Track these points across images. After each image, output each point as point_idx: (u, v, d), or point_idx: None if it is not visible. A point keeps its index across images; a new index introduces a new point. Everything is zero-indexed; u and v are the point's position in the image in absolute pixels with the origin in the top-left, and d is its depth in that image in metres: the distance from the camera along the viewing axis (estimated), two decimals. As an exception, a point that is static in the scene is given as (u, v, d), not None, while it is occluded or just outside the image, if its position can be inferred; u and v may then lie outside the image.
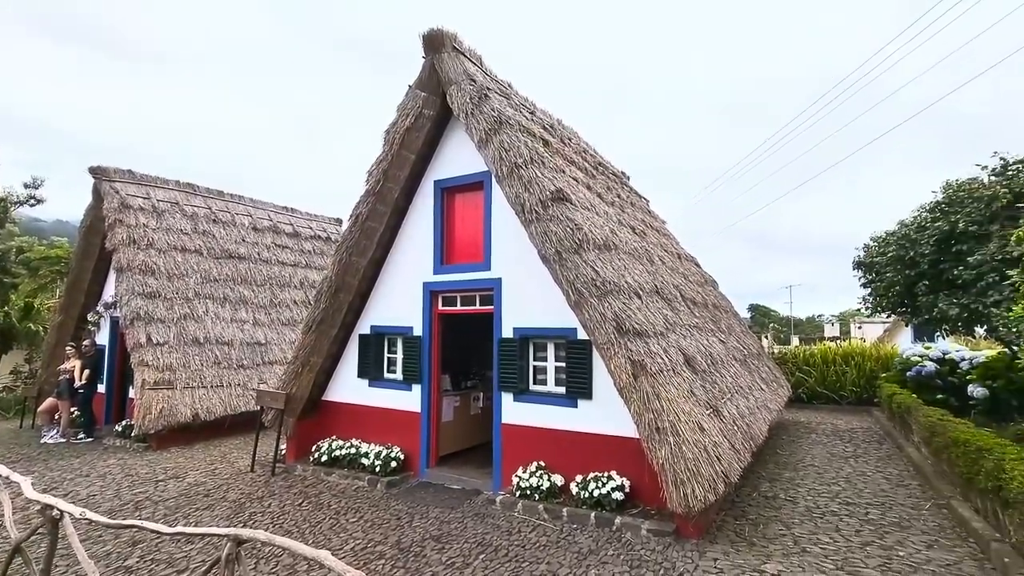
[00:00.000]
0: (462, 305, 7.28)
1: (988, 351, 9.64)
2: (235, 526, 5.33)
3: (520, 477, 6.01)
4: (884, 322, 25.14)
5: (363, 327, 7.91)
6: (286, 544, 2.42)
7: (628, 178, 12.43)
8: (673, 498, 4.53)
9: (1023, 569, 3.91)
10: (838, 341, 20.86)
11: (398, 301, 7.57)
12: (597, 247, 5.66)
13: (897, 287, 8.78)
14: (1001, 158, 7.50)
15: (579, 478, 5.70)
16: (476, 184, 7.03)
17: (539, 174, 5.81)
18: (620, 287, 5.45)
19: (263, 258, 12.81)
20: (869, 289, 10.01)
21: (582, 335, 5.76)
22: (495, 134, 6.12)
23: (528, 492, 5.84)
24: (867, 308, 10.51)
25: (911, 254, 8.16)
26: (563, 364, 6.20)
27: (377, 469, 6.92)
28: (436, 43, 6.74)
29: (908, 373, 10.90)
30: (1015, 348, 7.95)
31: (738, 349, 8.72)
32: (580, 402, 6.01)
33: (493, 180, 6.38)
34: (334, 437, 7.77)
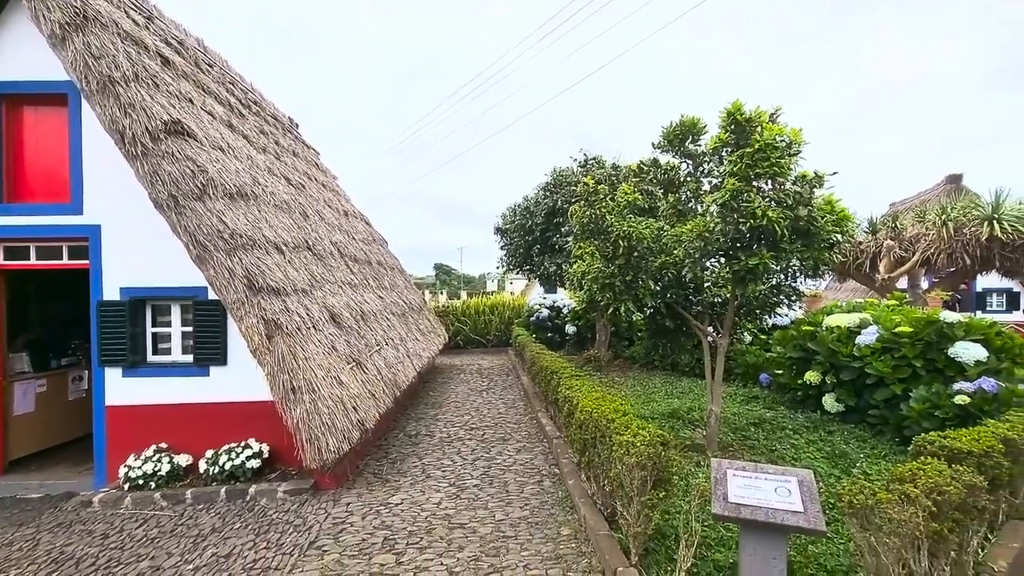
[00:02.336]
0: (39, 259, 5.45)
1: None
2: None
3: (130, 467, 5.01)
4: (526, 278, 31.26)
5: None
6: None
7: (296, 126, 11.50)
8: (308, 454, 4.52)
9: (569, 454, 5.44)
10: (493, 294, 24.96)
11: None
12: (228, 195, 5.00)
13: (521, 250, 10.90)
14: (584, 154, 10.11)
15: (210, 453, 5.12)
16: (56, 97, 5.24)
17: (147, 97, 4.70)
18: (255, 241, 4.98)
19: None
20: (504, 251, 12.13)
21: (214, 295, 5.07)
22: (77, 32, 4.63)
23: (141, 482, 4.93)
24: (502, 267, 12.76)
25: (529, 223, 10.23)
26: (191, 329, 5.37)
27: None
28: None
29: (531, 319, 13.82)
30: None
31: (398, 304, 9.30)
32: (213, 369, 5.34)
33: (82, 95, 4.86)
34: None
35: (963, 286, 14.46)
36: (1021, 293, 14.68)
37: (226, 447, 5.14)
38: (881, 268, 11.33)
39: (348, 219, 9.90)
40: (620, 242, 4.85)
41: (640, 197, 5.16)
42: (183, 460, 5.15)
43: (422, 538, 3.98)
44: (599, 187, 4.97)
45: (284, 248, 5.48)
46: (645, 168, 5.33)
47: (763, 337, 8.77)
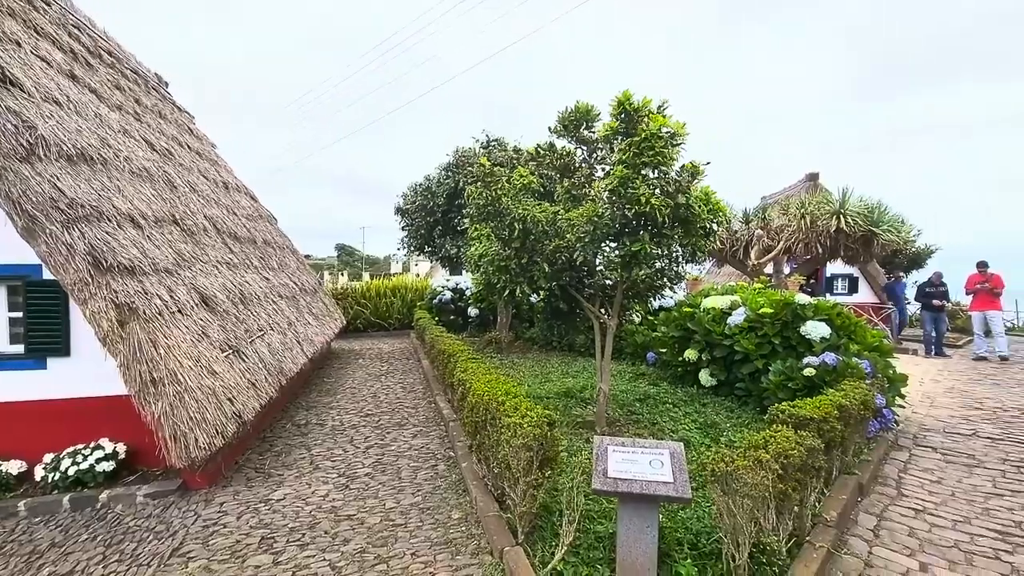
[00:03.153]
0: None
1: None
2: None
3: (-61, 479, 4.20)
4: (429, 261, 30.78)
5: None
6: None
7: (165, 84, 10.17)
8: (172, 452, 4.06)
9: (464, 438, 5.42)
10: (403, 276, 24.29)
11: None
12: (66, 157, 4.27)
13: (423, 231, 10.63)
14: (486, 135, 10.02)
15: (49, 458, 4.44)
16: None
17: (-52, 32, 3.84)
18: (103, 212, 4.33)
19: None
20: (406, 233, 11.76)
21: (50, 274, 4.33)
22: None
23: (-45, 496, 4.15)
24: (403, 249, 12.39)
25: (431, 204, 9.99)
26: (22, 314, 4.57)
27: None
28: None
29: (434, 301, 13.61)
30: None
31: (287, 286, 8.67)
32: (52, 361, 4.61)
33: None
34: None
35: (815, 272, 16.52)
36: (859, 279, 17.11)
37: (71, 450, 4.48)
38: (752, 255, 12.55)
39: (229, 192, 8.99)
40: (516, 225, 4.85)
41: (536, 181, 5.19)
42: (14, 468, 4.42)
43: (304, 534, 3.76)
44: (496, 169, 4.92)
45: (142, 221, 4.82)
46: (542, 152, 5.36)
47: (651, 318, 9.35)
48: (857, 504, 3.80)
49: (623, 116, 4.44)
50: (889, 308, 14.48)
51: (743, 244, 12.91)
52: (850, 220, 10.16)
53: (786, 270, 13.69)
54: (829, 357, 5.03)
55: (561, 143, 5.50)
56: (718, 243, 13.36)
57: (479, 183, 4.94)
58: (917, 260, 17.14)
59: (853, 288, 17.27)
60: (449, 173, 9.95)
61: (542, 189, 5.82)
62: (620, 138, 4.66)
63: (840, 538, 3.29)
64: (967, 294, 11.39)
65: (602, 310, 5.80)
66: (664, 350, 7.61)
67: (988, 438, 5.36)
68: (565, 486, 3.17)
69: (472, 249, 5.83)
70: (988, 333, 10.70)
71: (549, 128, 5.33)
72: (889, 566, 3.06)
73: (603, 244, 4.85)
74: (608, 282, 5.68)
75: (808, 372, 5.07)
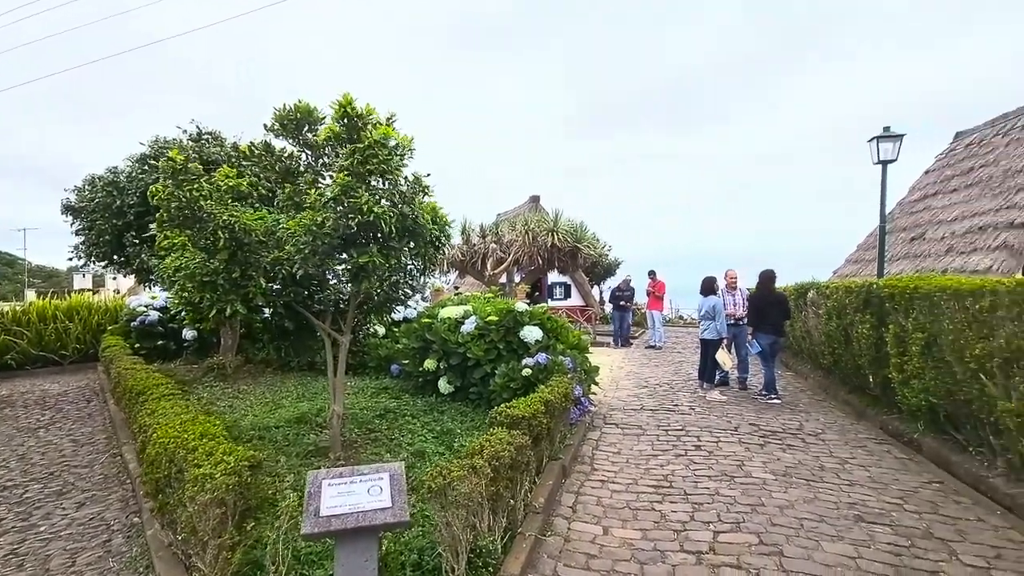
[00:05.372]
0: None
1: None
2: None
3: None
4: (115, 273, 24.89)
5: None
6: None
7: None
8: None
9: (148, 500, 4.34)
10: (90, 293, 18.87)
11: None
12: None
13: (107, 236, 8.37)
14: (197, 126, 8.51)
15: None
16: None
17: None
18: None
19: None
20: (83, 238, 9.10)
21: None
22: None
23: None
24: (79, 258, 9.58)
25: (119, 203, 7.94)
26: None
27: None
28: None
29: (133, 323, 10.90)
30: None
31: None
32: None
33: None
34: None
35: (539, 281, 19.16)
36: (571, 285, 20.56)
37: None
38: (488, 266, 13.74)
39: None
40: (221, 233, 4.13)
41: (248, 183, 4.54)
42: None
43: None
44: (191, 165, 4.10)
45: None
46: (256, 152, 4.73)
47: (395, 330, 9.30)
48: (561, 486, 4.37)
49: (346, 121, 4.22)
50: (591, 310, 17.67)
51: (480, 256, 14.03)
52: (561, 236, 12.02)
53: (517, 279, 15.43)
54: (541, 357, 5.73)
55: (281, 144, 4.97)
56: (459, 255, 14.24)
57: (168, 181, 4.05)
58: (610, 270, 21.40)
59: (567, 294, 20.62)
60: (146, 167, 8.07)
61: (269, 194, 5.15)
62: (344, 144, 4.43)
63: (547, 522, 3.70)
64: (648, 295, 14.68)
65: (335, 326, 5.43)
66: (407, 361, 7.62)
67: (650, 410, 6.90)
68: (271, 538, 2.75)
69: (167, 260, 4.78)
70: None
71: (265, 126, 4.75)
72: (582, 536, 3.55)
73: (331, 256, 4.52)
74: (341, 296, 5.36)
75: (526, 372, 5.68)
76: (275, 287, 4.84)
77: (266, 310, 5.40)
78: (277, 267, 4.56)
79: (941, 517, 3.77)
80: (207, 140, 8.33)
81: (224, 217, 4.11)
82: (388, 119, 4.59)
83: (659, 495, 4.21)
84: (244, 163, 4.92)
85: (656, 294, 14.00)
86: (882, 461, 4.96)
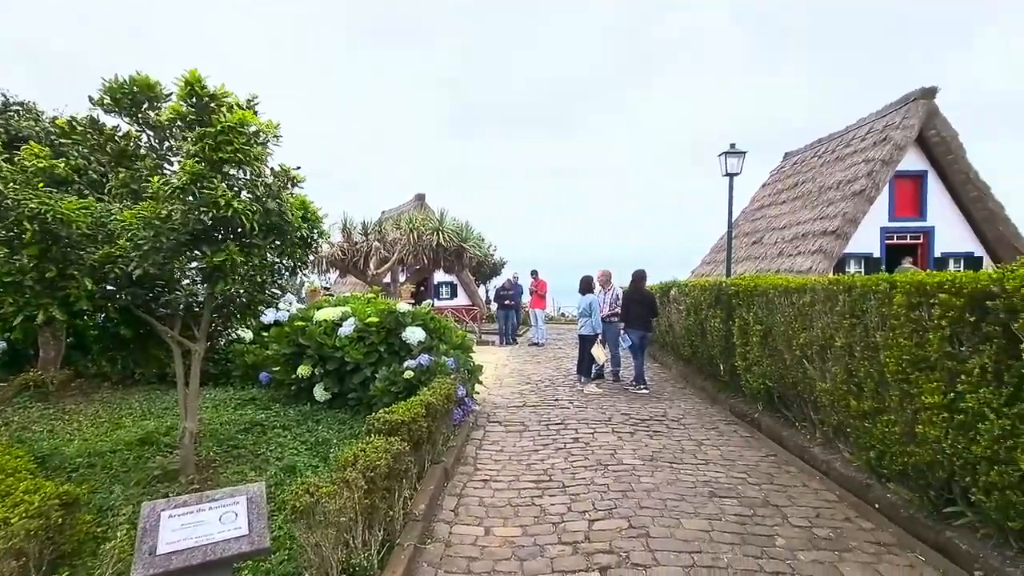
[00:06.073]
0: None
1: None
2: None
3: None
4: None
5: None
6: None
7: None
8: None
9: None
10: None
11: None
12: None
13: None
14: (3, 94, 7.01)
15: None
16: None
17: None
18: None
19: None
20: None
21: None
22: None
23: None
24: None
25: None
26: None
27: None
28: None
29: (-93, 335, 8.71)
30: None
31: None
32: None
33: None
34: None
35: (424, 280, 18.85)
36: (457, 285, 20.51)
37: None
38: (371, 265, 13.19)
39: None
40: (28, 224, 3.42)
41: (63, 165, 3.82)
42: None
43: None
44: (-16, 140, 3.35)
45: None
46: (78, 128, 4.00)
47: (264, 335, 8.51)
48: (444, 489, 4.28)
49: (194, 101, 3.73)
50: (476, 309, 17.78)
51: (363, 255, 13.41)
52: (447, 235, 11.90)
53: (402, 278, 15.01)
54: (424, 359, 5.60)
55: (115, 121, 4.26)
56: (340, 254, 13.49)
57: (-50, 158, 3.26)
58: (496, 269, 21.72)
59: (454, 293, 20.55)
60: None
61: (103, 179, 4.37)
62: (194, 127, 3.92)
63: (428, 528, 3.59)
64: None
65: (188, 332, 4.80)
66: (277, 368, 7.00)
67: (532, 406, 7.09)
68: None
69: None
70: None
71: (92, 100, 4.03)
72: (464, 540, 3.50)
73: (178, 254, 3.96)
74: (194, 299, 4.75)
75: (408, 375, 5.51)
76: (107, 288, 4.14)
77: (85, 317, 4.60)
78: (108, 265, 3.89)
79: (776, 486, 4.33)
80: (16, 112, 6.88)
81: (32, 205, 3.41)
82: (249, 102, 4.15)
83: (539, 490, 4.31)
84: (63, 141, 4.14)
85: (539, 293, 14.47)
86: (731, 440, 5.59)
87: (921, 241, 12.69)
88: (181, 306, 4.57)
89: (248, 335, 8.38)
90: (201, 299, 4.64)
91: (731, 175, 11.34)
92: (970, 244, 12.49)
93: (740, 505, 3.94)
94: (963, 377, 3.01)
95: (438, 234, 11.99)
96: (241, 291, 4.70)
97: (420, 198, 20.23)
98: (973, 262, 12.17)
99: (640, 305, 8.23)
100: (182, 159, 4.21)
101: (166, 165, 4.36)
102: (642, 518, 3.72)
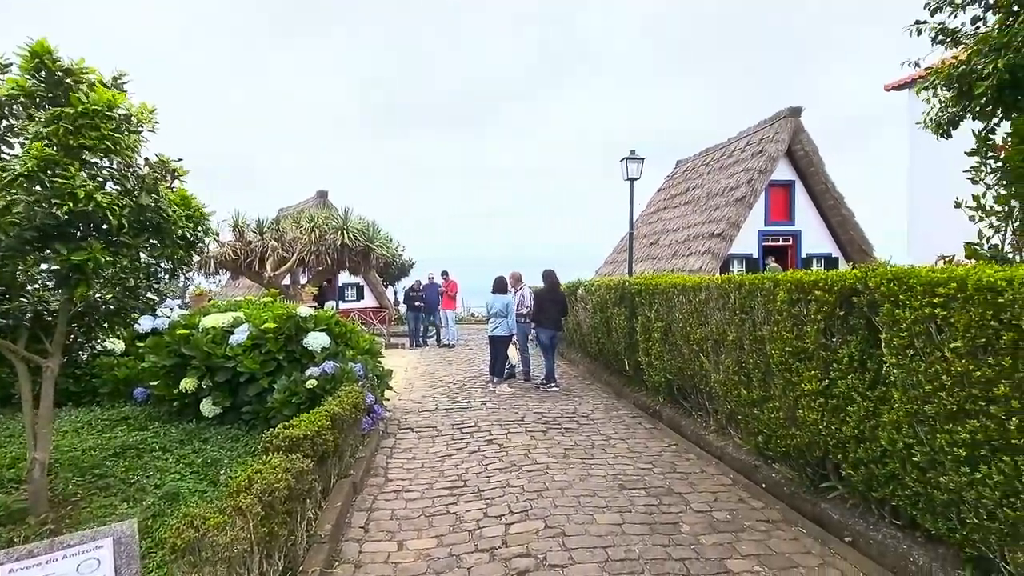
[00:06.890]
0: None
1: None
2: None
3: None
4: None
5: None
6: None
7: None
8: None
9: None
10: None
11: None
12: None
13: None
14: None
15: None
16: None
17: None
18: None
19: None
20: None
21: None
22: None
23: None
24: None
25: None
26: None
27: None
28: None
29: None
30: None
31: None
32: None
33: None
34: None
35: (328, 282, 17.88)
36: (364, 286, 19.70)
37: None
38: (268, 266, 12.23)
39: None
40: None
41: None
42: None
43: None
44: None
45: None
46: None
47: (139, 345, 7.54)
48: (352, 504, 4.03)
49: (43, 75, 3.17)
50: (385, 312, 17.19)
51: (258, 255, 12.41)
52: (352, 235, 11.35)
53: (303, 280, 14.09)
54: (328, 366, 5.25)
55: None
56: (231, 254, 12.37)
57: None
58: (404, 270, 21.17)
59: (360, 295, 19.69)
60: None
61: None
62: (44, 106, 3.33)
63: (335, 550, 3.35)
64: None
65: (37, 347, 4.09)
66: (156, 383, 6.21)
67: (444, 409, 6.95)
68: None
69: None
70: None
71: (-102, 64, 3.28)
72: (375, 558, 3.31)
73: (21, 253, 3.34)
74: (45, 308, 4.06)
75: (311, 384, 5.13)
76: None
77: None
78: (-77, 268, 3.19)
79: (678, 474, 4.59)
80: None
81: None
82: (116, 79, 3.61)
83: (454, 496, 4.20)
84: None
85: (449, 294, 14.29)
86: (636, 433, 5.86)
87: (791, 243, 14.27)
88: (27, 315, 3.89)
89: (119, 346, 7.38)
90: (54, 307, 3.98)
91: (632, 180, 11.97)
92: (828, 246, 14.26)
93: (648, 495, 4.12)
94: (835, 365, 3.38)
95: (343, 233, 11.39)
96: (108, 296, 4.13)
97: (322, 195, 19.14)
98: (831, 262, 13.91)
99: (553, 304, 8.39)
100: (27, 141, 3.57)
101: (4, 148, 3.67)
102: (557, 517, 3.76)
